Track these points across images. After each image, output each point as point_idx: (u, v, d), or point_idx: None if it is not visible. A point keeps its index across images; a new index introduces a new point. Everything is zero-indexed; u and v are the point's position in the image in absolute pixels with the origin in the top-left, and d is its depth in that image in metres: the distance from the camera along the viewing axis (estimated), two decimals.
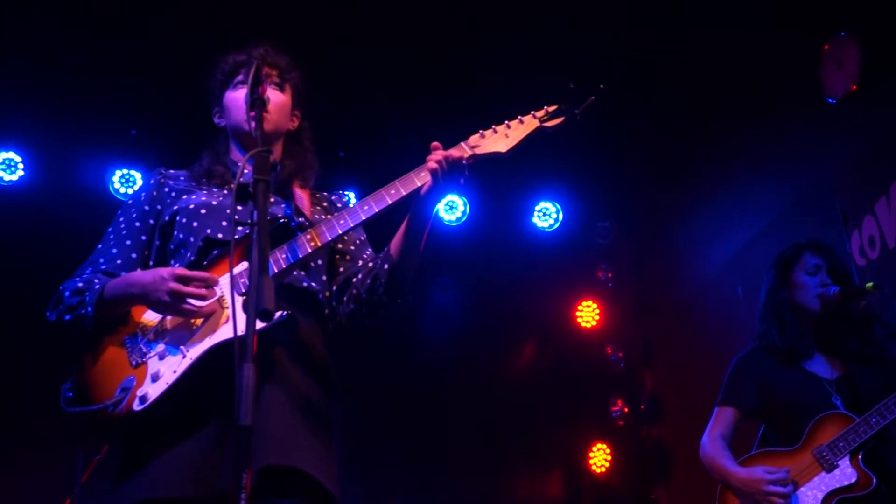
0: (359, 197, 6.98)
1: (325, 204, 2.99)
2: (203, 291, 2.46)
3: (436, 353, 6.87)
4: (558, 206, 7.39)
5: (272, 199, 2.79)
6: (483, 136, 2.65)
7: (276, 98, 2.85)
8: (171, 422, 2.44)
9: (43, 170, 6.75)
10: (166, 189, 2.90)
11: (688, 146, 6.59)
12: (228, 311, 2.50)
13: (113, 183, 6.83)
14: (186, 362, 2.47)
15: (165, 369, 2.48)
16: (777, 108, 5.49)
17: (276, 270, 2.54)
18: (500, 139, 2.64)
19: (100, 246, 2.88)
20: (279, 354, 2.55)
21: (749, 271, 5.84)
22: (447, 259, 7.06)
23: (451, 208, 7.16)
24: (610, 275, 7.57)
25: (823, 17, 4.89)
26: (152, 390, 2.46)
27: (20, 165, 6.69)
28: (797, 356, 3.57)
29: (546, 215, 7.39)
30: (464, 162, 2.57)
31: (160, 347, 2.54)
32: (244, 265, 2.55)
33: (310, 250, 2.56)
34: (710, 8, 5.66)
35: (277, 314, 2.35)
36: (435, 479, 6.62)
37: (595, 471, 7.15)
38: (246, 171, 2.28)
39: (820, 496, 3.34)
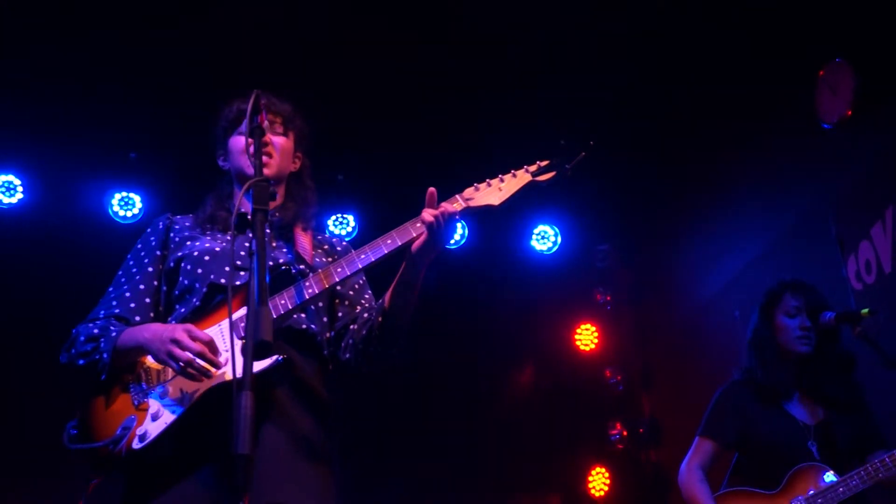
0: (356, 219, 7.05)
1: (325, 247, 3.03)
2: (197, 348, 2.48)
3: (434, 376, 6.87)
4: (557, 230, 7.42)
5: (274, 244, 2.88)
6: (477, 189, 2.72)
7: (280, 143, 2.94)
8: (173, 460, 2.50)
9: (42, 192, 6.76)
10: (171, 234, 2.97)
11: (686, 171, 6.62)
12: (227, 354, 2.55)
13: (112, 205, 6.85)
14: (186, 402, 2.53)
15: (165, 409, 2.55)
16: (773, 134, 5.52)
17: (275, 316, 2.55)
18: (493, 192, 2.70)
19: (111, 289, 2.94)
20: (279, 394, 2.62)
21: (747, 295, 5.85)
22: (451, 284, 7.09)
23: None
24: (609, 298, 7.57)
25: (818, 43, 4.93)
26: (152, 429, 2.52)
27: (19, 188, 6.70)
28: (778, 396, 3.64)
29: (545, 238, 7.41)
30: (457, 216, 2.65)
31: (161, 388, 2.60)
32: (244, 311, 2.48)
33: (307, 297, 2.61)
34: (707, 37, 5.70)
35: (273, 359, 2.47)
36: (435, 502, 6.62)
37: (594, 495, 7.13)
38: (243, 209, 2.30)
39: None
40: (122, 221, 6.86)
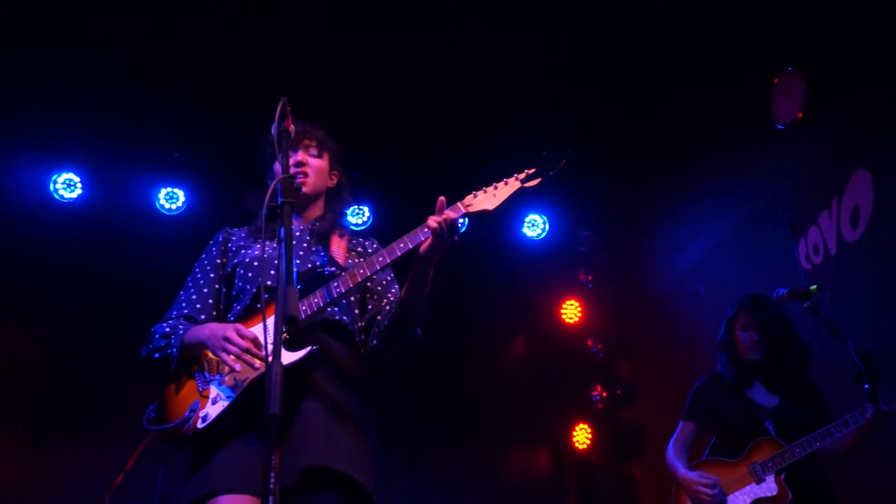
0: (371, 210, 7.05)
1: (359, 250, 3.10)
2: (244, 344, 2.60)
3: (437, 347, 6.88)
4: (545, 218, 7.42)
5: (313, 249, 2.97)
6: (475, 196, 2.78)
7: (315, 164, 3.03)
8: (229, 433, 2.61)
9: (98, 188, 6.77)
10: (229, 244, 3.09)
11: (658, 166, 6.61)
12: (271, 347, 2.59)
13: (159, 199, 6.86)
14: (238, 389, 2.66)
15: (222, 394, 2.70)
16: (734, 134, 5.51)
17: (310, 312, 2.69)
18: (489, 199, 2.78)
19: (182, 293, 3.05)
20: (317, 375, 2.70)
21: (710, 275, 5.88)
22: (447, 267, 7.09)
23: None
24: (590, 278, 7.58)
25: (773, 54, 4.92)
26: (212, 411, 2.66)
27: (78, 185, 6.72)
28: (742, 386, 3.84)
29: (534, 226, 7.41)
30: (458, 221, 2.72)
31: (220, 377, 2.74)
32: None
33: (335, 295, 2.70)
34: (676, 49, 5.68)
35: (307, 349, 2.60)
36: (440, 456, 6.62)
37: (578, 447, 7.16)
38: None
39: (748, 501, 3.63)
40: (167, 213, 6.88)
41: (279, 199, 2.28)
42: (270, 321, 2.60)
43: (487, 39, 5.75)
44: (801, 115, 4.71)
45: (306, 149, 3.01)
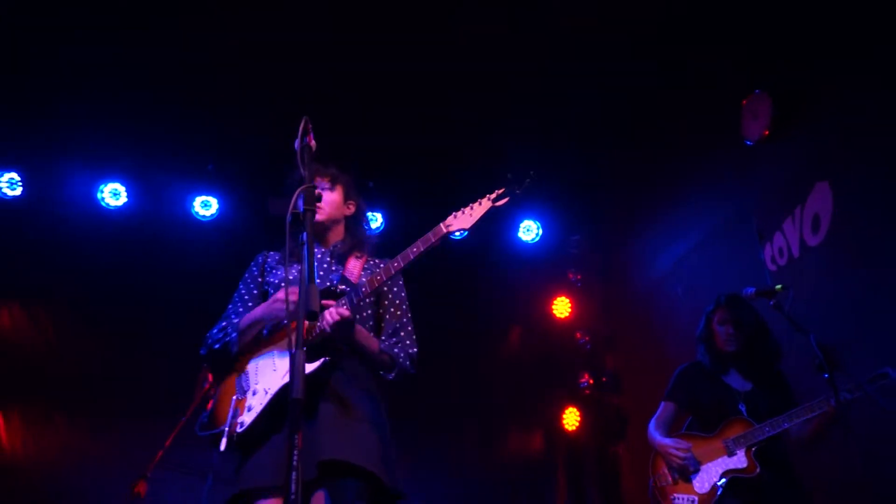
0: (384, 217, 7.06)
1: (374, 268, 3.12)
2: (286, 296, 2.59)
3: (441, 340, 6.88)
4: (539, 224, 7.41)
5: (332, 269, 3.08)
6: (455, 217, 2.89)
7: (328, 196, 3.14)
8: (262, 436, 2.74)
9: (140, 196, 6.79)
10: (266, 266, 3.21)
11: (641, 179, 6.61)
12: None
13: (194, 206, 6.86)
14: (267, 398, 2.77)
15: (255, 403, 2.81)
16: (709, 148, 5.51)
17: (328, 323, 2.76)
18: (466, 218, 2.88)
19: (230, 306, 3.16)
20: (335, 380, 2.81)
21: (686, 275, 5.88)
22: (452, 267, 7.11)
23: None
24: (579, 277, 7.57)
25: (742, 78, 4.93)
26: (247, 418, 2.77)
27: (123, 193, 6.74)
28: (719, 373, 3.86)
29: (529, 231, 7.41)
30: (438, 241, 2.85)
31: (253, 386, 2.86)
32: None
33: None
34: (658, 74, 5.69)
35: (321, 360, 2.72)
36: (443, 436, 6.62)
37: (567, 429, 7.16)
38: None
39: (720, 471, 3.63)
40: (202, 219, 6.89)
41: (301, 207, 2.31)
42: (282, 342, 2.85)
43: (488, 54, 5.73)
44: (767, 132, 4.72)
45: (320, 182, 3.12)
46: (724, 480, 3.57)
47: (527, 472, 7.05)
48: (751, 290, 3.64)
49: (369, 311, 3.02)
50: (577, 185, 7.20)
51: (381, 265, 3.01)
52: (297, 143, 2.56)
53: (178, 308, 6.56)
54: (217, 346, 2.94)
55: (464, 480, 6.79)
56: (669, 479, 3.71)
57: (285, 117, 3.05)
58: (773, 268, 4.74)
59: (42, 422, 6.37)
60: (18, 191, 6.56)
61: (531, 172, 3.05)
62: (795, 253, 4.57)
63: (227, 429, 2.74)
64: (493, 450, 7.03)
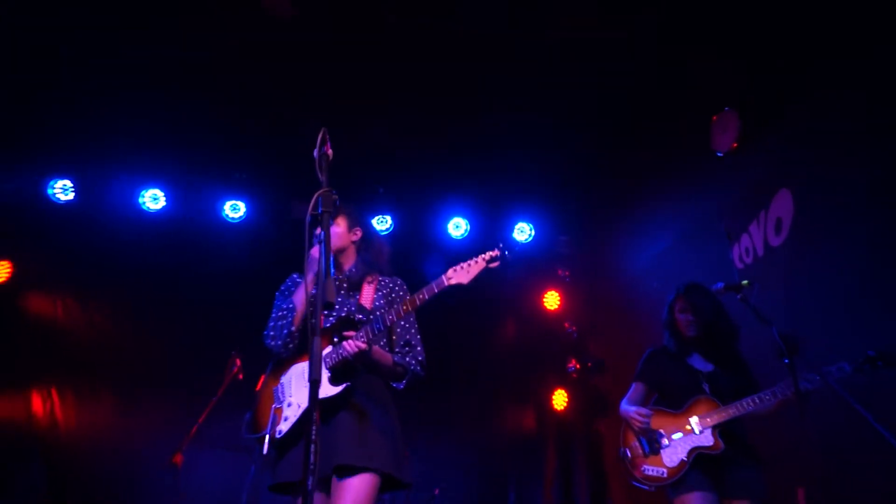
0: (393, 219, 7.03)
1: (386, 291, 3.19)
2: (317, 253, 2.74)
3: (445, 331, 6.87)
4: (531, 225, 7.39)
5: (350, 295, 3.14)
6: (455, 271, 3.00)
7: (332, 230, 3.07)
8: (293, 439, 2.92)
9: (177, 201, 6.79)
10: (292, 287, 3.26)
11: (623, 186, 6.59)
12: (325, 378, 2.89)
13: (224, 210, 6.85)
14: (300, 411, 2.91)
15: (290, 414, 2.95)
16: (682, 159, 5.49)
17: (349, 353, 2.89)
18: (464, 274, 2.99)
19: (273, 314, 3.21)
20: (352, 396, 2.93)
21: (662, 272, 5.86)
22: (454, 264, 7.08)
23: (457, 227, 7.17)
24: (567, 273, 7.55)
25: (713, 98, 4.92)
26: (284, 427, 2.94)
27: (162, 198, 6.73)
28: (683, 356, 3.76)
29: (522, 231, 7.39)
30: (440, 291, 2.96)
31: (288, 399, 3.00)
32: (328, 348, 2.94)
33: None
34: (639, 91, 5.67)
35: (343, 386, 2.86)
36: (445, 416, 6.60)
37: (556, 408, 7.14)
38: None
39: (687, 448, 3.53)
40: (231, 221, 6.88)
41: (319, 209, 2.30)
42: (323, 355, 2.90)
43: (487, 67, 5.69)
44: (735, 145, 4.71)
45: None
46: (692, 457, 3.51)
47: (520, 447, 7.03)
48: (720, 286, 3.58)
49: (382, 329, 3.03)
50: (566, 191, 7.18)
51: (390, 284, 3.19)
52: (315, 153, 2.55)
53: (209, 300, 6.57)
54: (282, 323, 3.04)
55: (465, 452, 6.79)
56: (640, 450, 3.62)
57: (305, 127, 3.03)
58: (740, 265, 4.72)
59: (92, 399, 6.39)
60: (70, 196, 6.56)
61: (515, 249, 3.12)
62: (760, 252, 4.56)
63: (268, 434, 2.93)
64: (490, 426, 7.01)
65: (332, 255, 3.03)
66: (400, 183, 6.94)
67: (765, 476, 3.47)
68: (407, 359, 3.05)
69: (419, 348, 3.11)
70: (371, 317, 2.97)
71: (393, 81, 5.78)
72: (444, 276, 2.95)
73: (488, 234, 7.27)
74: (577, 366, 7.21)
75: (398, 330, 3.12)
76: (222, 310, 6.50)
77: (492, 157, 6.59)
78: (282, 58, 5.55)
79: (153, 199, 6.69)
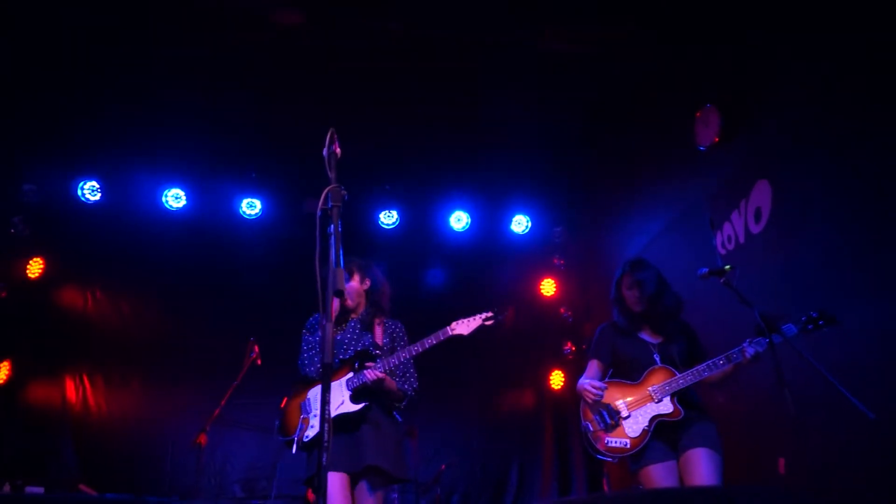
0: (399, 213, 7.05)
1: (390, 331, 3.66)
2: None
3: (447, 316, 6.90)
4: (528, 217, 7.40)
5: (364, 334, 3.62)
6: (458, 323, 3.47)
7: (350, 286, 3.63)
8: (317, 443, 3.10)
9: (197, 199, 6.82)
10: (315, 324, 3.68)
11: (613, 179, 6.60)
12: (344, 396, 3.41)
13: (241, 207, 6.88)
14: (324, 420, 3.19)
15: (316, 423, 3.40)
16: (668, 153, 5.50)
17: (368, 381, 3.39)
18: (464, 327, 3.45)
19: (304, 346, 3.69)
20: (370, 412, 3.44)
21: (651, 258, 5.72)
22: (456, 255, 7.12)
23: (459, 220, 7.19)
24: (562, 262, 7.56)
25: (694, 95, 4.92)
26: (311, 433, 3.41)
27: (183, 197, 6.77)
28: (633, 329, 3.65)
29: (520, 224, 7.41)
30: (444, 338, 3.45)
31: (314, 411, 3.48)
32: (350, 375, 3.46)
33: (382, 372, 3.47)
34: (627, 89, 5.67)
35: (363, 404, 3.38)
36: (449, 396, 6.63)
37: (554, 388, 7.18)
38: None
39: (648, 417, 3.44)
40: (248, 217, 6.91)
41: (329, 204, 2.32)
42: (335, 384, 3.41)
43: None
44: (717, 139, 4.70)
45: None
46: (653, 425, 3.43)
47: (520, 423, 7.08)
48: (704, 270, 3.52)
49: (395, 364, 3.56)
50: (561, 185, 7.20)
51: (393, 327, 3.67)
52: (325, 151, 2.57)
53: (228, 291, 6.62)
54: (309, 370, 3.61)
55: (469, 431, 6.84)
56: (599, 424, 3.50)
57: (317, 128, 3.05)
58: (723, 251, 4.73)
59: (120, 385, 6.45)
60: (98, 196, 6.60)
61: (507, 310, 3.63)
62: (741, 239, 4.57)
63: (296, 438, 3.36)
64: (492, 405, 7.06)
65: (348, 304, 3.59)
66: (405, 180, 6.96)
67: (718, 431, 3.40)
68: (405, 386, 3.56)
69: (413, 378, 3.62)
70: (381, 352, 3.52)
71: (397, 84, 5.80)
72: (448, 328, 3.44)
73: (488, 226, 7.29)
74: (573, 348, 7.24)
75: (400, 365, 3.58)
76: (240, 300, 6.55)
77: (491, 154, 6.61)
78: (291, 62, 5.57)
79: (175, 198, 6.73)
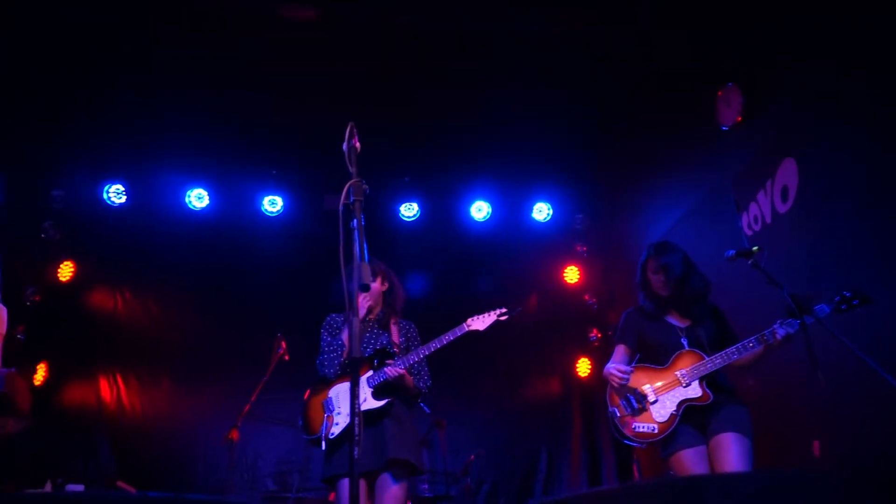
0: (421, 207, 7.04)
1: (404, 332, 3.81)
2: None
3: (472, 305, 6.88)
4: (550, 205, 7.35)
5: (381, 333, 3.77)
6: (473, 320, 3.65)
7: (374, 287, 3.76)
8: (343, 441, 3.50)
9: (219, 198, 6.88)
10: (334, 325, 3.82)
11: (634, 162, 6.53)
12: (366, 393, 3.57)
13: (263, 205, 6.91)
14: (347, 417, 3.44)
15: (341, 421, 3.53)
16: (691, 134, 5.42)
17: (389, 377, 3.54)
18: (479, 323, 3.65)
19: (323, 346, 3.79)
20: (391, 407, 3.57)
21: (676, 242, 5.78)
22: (478, 245, 7.11)
23: (479, 210, 7.16)
24: (585, 249, 7.50)
25: (716, 74, 4.84)
26: (336, 430, 3.52)
27: (206, 197, 6.83)
28: (659, 314, 3.59)
29: (541, 211, 7.36)
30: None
31: (338, 408, 3.57)
32: (370, 372, 3.62)
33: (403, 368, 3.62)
34: (650, 79, 5.57)
35: (387, 400, 3.53)
36: (476, 388, 6.64)
37: (580, 375, 7.14)
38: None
39: (677, 401, 3.38)
40: (269, 215, 6.94)
41: (351, 198, 2.32)
42: (363, 378, 3.55)
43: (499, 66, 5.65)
44: (740, 118, 4.64)
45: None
46: (681, 409, 3.36)
47: (548, 411, 7.06)
48: (731, 253, 3.46)
49: (413, 361, 3.72)
50: (581, 171, 7.13)
51: (406, 327, 3.81)
52: (344, 146, 2.57)
53: (253, 288, 6.69)
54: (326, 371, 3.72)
55: (498, 420, 6.84)
56: (627, 409, 3.45)
57: (335, 125, 3.05)
58: (749, 233, 4.67)
59: (152, 384, 6.55)
60: (123, 199, 6.70)
61: (518, 308, 3.75)
62: (768, 219, 4.50)
63: (323, 435, 3.49)
64: (520, 394, 7.05)
65: (369, 303, 3.72)
66: (424, 172, 6.95)
67: (750, 416, 3.34)
68: (420, 383, 3.72)
69: (427, 376, 3.78)
70: (399, 350, 3.70)
71: (415, 77, 5.78)
72: (464, 324, 3.62)
73: (509, 215, 7.26)
74: (599, 335, 7.20)
75: (416, 364, 3.71)
76: (266, 296, 6.61)
77: (510, 142, 6.57)
78: (308, 58, 5.57)
79: (198, 198, 6.79)
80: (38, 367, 6.24)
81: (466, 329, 3.59)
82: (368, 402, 3.50)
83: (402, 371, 3.52)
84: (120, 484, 5.50)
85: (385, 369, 3.54)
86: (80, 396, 6.41)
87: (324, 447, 3.49)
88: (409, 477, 3.53)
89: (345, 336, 3.68)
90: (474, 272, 7.13)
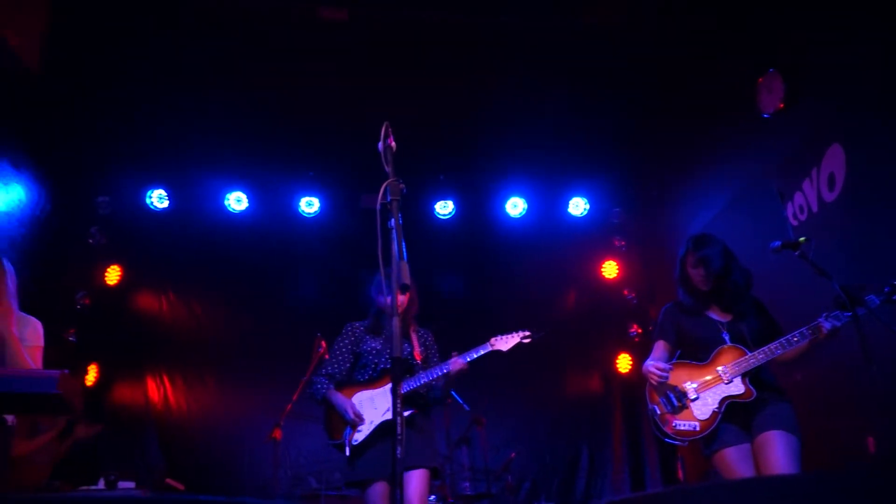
0: (456, 205, 7.04)
1: (422, 340, 3.84)
2: (353, 418, 3.58)
3: (511, 301, 6.86)
4: (587, 200, 7.28)
5: (402, 341, 3.66)
6: (498, 339, 3.74)
7: (400, 297, 3.74)
8: (367, 447, 3.54)
9: (257, 201, 6.98)
10: (357, 333, 3.81)
11: (672, 154, 6.42)
12: (389, 403, 3.57)
13: (300, 206, 6.99)
14: (372, 427, 3.54)
15: (364, 428, 3.56)
16: (731, 122, 5.29)
17: (407, 389, 3.54)
18: (503, 343, 3.73)
19: (332, 358, 3.79)
20: (416, 417, 3.63)
21: (717, 234, 5.64)
22: (514, 241, 7.07)
23: (515, 206, 7.12)
24: (623, 243, 7.40)
25: (757, 59, 4.71)
26: (359, 437, 3.55)
27: (245, 200, 6.93)
28: (700, 308, 3.47)
29: (577, 206, 7.28)
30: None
31: (361, 421, 3.59)
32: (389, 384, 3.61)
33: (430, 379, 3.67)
34: (688, 68, 5.47)
35: (411, 411, 3.56)
36: (516, 386, 6.60)
37: (621, 371, 7.06)
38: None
39: (718, 398, 3.28)
40: (307, 216, 7.01)
41: (388, 198, 2.32)
42: (381, 391, 3.61)
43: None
44: (782, 105, 4.51)
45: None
46: (723, 406, 3.27)
47: (589, 407, 7.00)
48: (777, 244, 3.35)
49: (443, 373, 3.78)
50: (617, 164, 7.04)
51: (424, 335, 3.86)
52: (380, 146, 2.57)
53: (292, 288, 6.77)
54: (315, 395, 3.71)
55: (537, 418, 6.80)
56: (667, 406, 3.35)
57: (369, 128, 3.05)
58: (795, 223, 4.53)
59: (198, 384, 6.68)
60: (166, 203, 6.84)
61: (544, 331, 3.84)
62: (814, 209, 4.36)
63: (346, 442, 3.54)
64: (559, 390, 7.00)
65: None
66: (459, 169, 6.94)
67: (795, 412, 3.22)
68: (436, 394, 3.85)
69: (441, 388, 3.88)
70: (420, 359, 3.76)
71: (448, 73, 5.77)
72: (489, 343, 3.71)
73: (545, 211, 7.20)
74: (639, 330, 7.10)
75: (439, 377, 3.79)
76: (304, 296, 6.69)
77: (545, 137, 6.51)
78: (341, 57, 5.61)
79: (237, 201, 6.90)
80: (88, 368, 6.42)
81: (490, 348, 3.70)
82: (391, 413, 3.52)
83: (464, 364, 3.61)
84: (168, 481, 5.62)
85: (448, 363, 3.62)
86: (129, 396, 6.58)
87: (347, 453, 3.53)
88: (430, 481, 3.60)
89: (375, 342, 3.73)
90: (511, 269, 7.10)
